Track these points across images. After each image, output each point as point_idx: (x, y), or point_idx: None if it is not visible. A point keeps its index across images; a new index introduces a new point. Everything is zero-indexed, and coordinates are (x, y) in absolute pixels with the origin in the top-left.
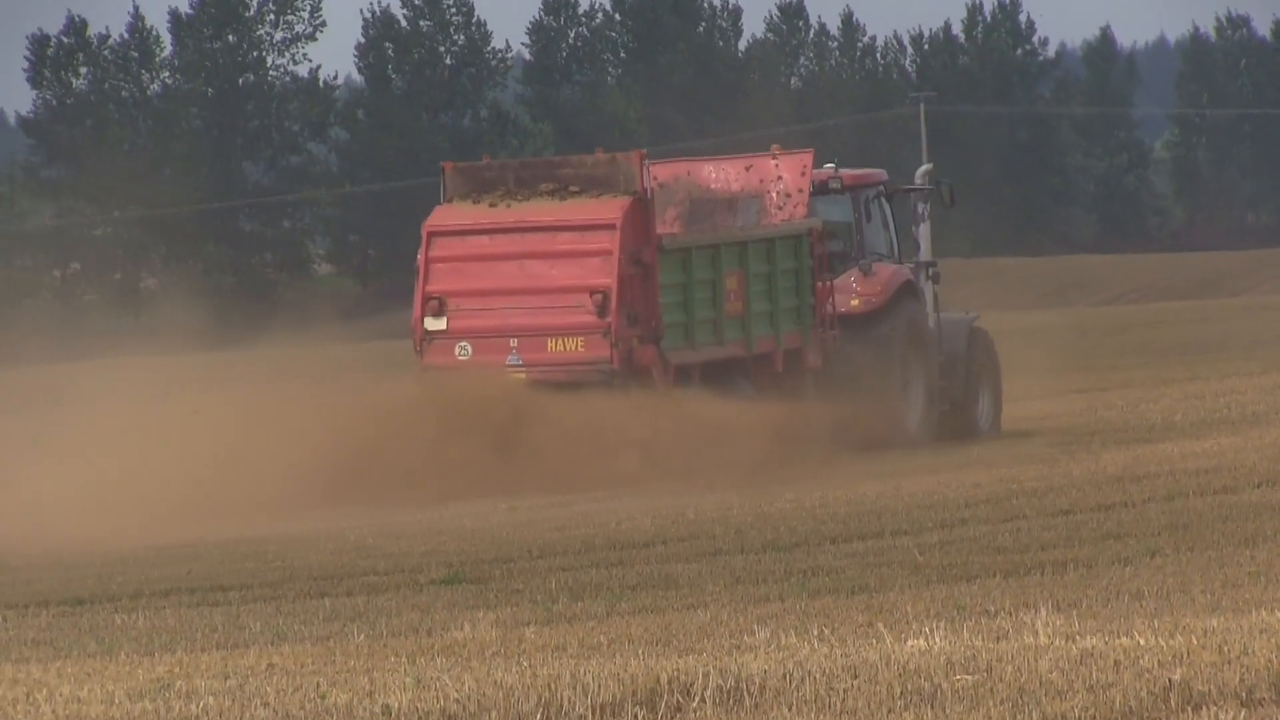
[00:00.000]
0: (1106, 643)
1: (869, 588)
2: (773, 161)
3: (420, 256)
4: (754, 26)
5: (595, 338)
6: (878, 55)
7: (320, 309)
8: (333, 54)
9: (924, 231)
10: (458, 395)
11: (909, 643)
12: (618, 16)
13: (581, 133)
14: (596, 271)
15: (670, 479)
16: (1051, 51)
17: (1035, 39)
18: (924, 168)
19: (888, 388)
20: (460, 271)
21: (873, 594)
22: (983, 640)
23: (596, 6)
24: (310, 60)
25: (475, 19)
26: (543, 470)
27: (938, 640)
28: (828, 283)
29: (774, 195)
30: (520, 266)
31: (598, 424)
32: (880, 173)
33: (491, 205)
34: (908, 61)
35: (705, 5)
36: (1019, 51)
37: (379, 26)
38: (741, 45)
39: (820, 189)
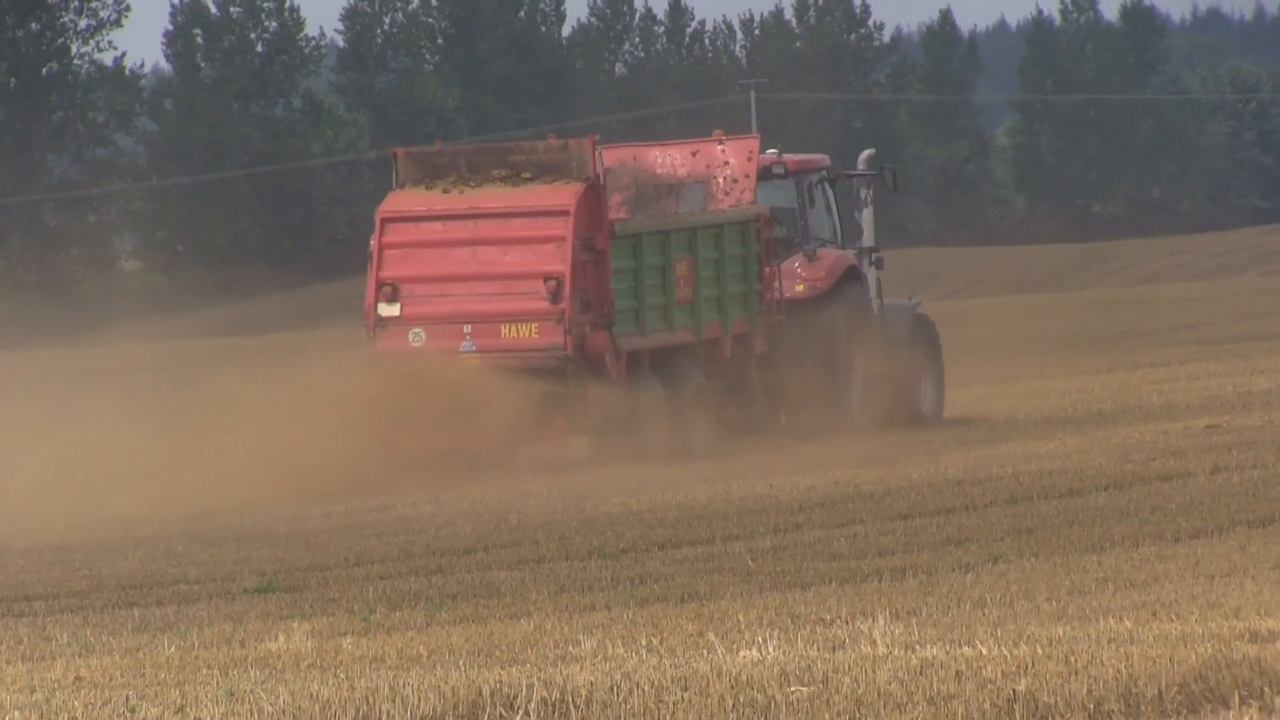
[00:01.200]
0: (948, 652)
1: (699, 595)
2: (719, 147)
3: (373, 242)
4: (577, 11)
5: (549, 324)
6: (706, 41)
7: (126, 306)
8: (139, 42)
9: (866, 217)
10: (410, 381)
11: (741, 653)
12: (434, 2)
13: (398, 122)
14: (550, 258)
15: (619, 463)
16: (888, 36)
17: (871, 23)
18: (866, 153)
19: (832, 374)
20: (413, 257)
21: (703, 602)
22: (818, 650)
23: None
24: (116, 48)
25: (287, 5)
26: (492, 455)
27: (771, 650)
28: (774, 268)
29: (720, 181)
30: (473, 252)
31: (549, 409)
32: (823, 158)
33: (444, 191)
34: (738, 47)
35: None
36: (853, 36)
37: (188, 13)
38: (565, 31)
39: (764, 174)
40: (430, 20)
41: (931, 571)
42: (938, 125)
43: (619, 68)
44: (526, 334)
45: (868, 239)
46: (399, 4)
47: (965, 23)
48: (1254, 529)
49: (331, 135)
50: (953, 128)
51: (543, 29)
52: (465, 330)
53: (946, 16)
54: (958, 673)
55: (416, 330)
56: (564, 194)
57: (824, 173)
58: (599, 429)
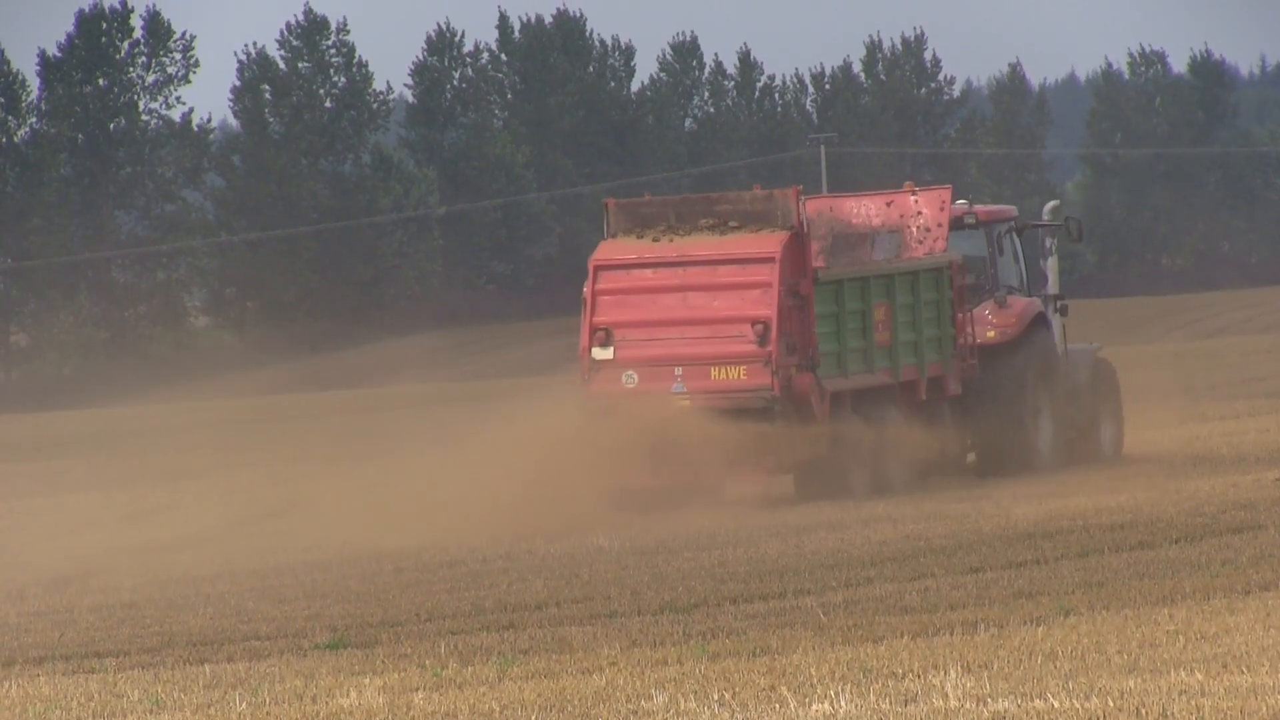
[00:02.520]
0: (1019, 705)
1: (771, 649)
2: (912, 198)
3: (587, 289)
4: (647, 66)
5: (757, 366)
6: (776, 95)
7: (195, 363)
8: (207, 97)
9: (1051, 265)
10: (624, 421)
11: (813, 707)
12: (504, 56)
13: (467, 177)
14: (757, 303)
15: (823, 500)
16: (957, 90)
17: (941, 77)
18: (1051, 204)
19: (1021, 415)
20: (625, 303)
21: (775, 656)
22: (890, 704)
23: (482, 46)
24: (184, 103)
25: (356, 59)
26: (703, 491)
27: (843, 704)
28: (967, 314)
29: (914, 230)
30: (683, 298)
31: (757, 448)
32: (1011, 209)
33: (654, 240)
34: (808, 101)
35: (596, 44)
36: (923, 90)
37: (255, 68)
38: (634, 86)
39: (955, 224)
40: (500, 75)
41: (1003, 625)
42: (1007, 179)
43: (689, 122)
44: (735, 376)
45: (1052, 286)
46: (468, 59)
47: (1034, 76)
48: None
49: (400, 191)
50: (1022, 182)
51: (612, 84)
52: (676, 372)
53: (1015, 70)
54: None
55: (629, 373)
56: (770, 242)
57: (1012, 223)
58: (804, 467)
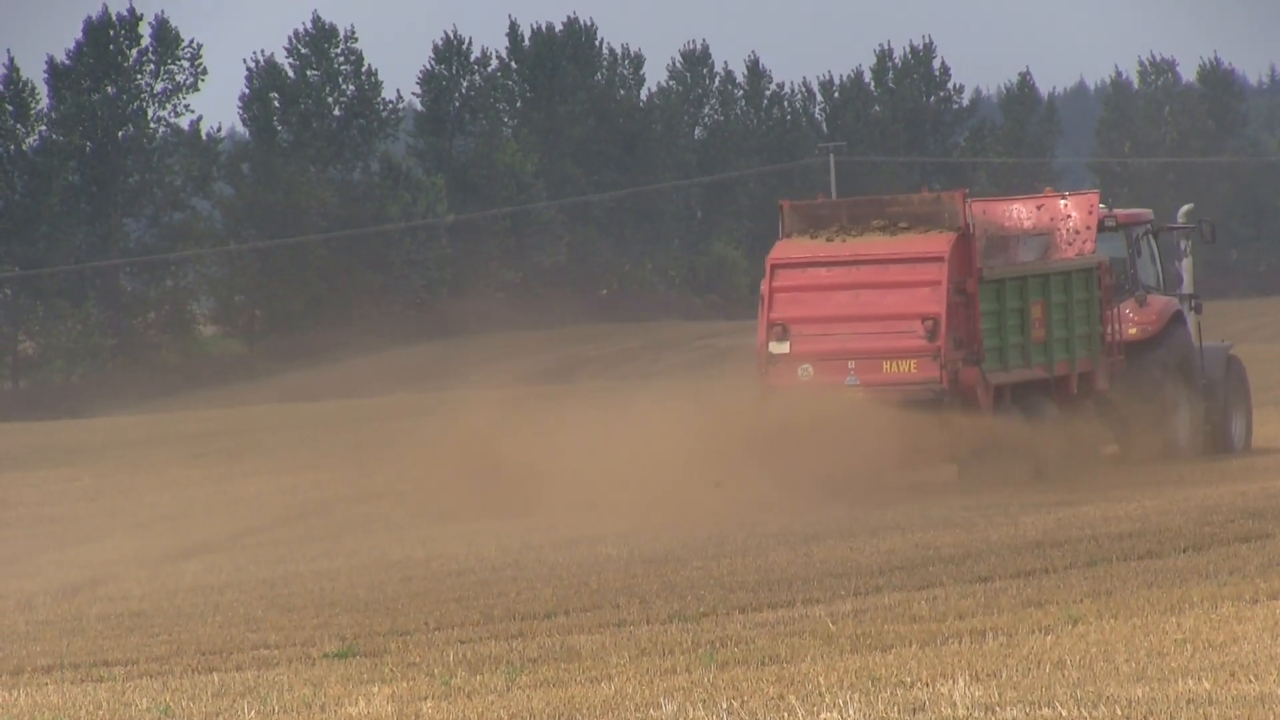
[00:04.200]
0: (1027, 714)
1: (780, 658)
2: (1061, 202)
3: (764, 286)
4: (656, 74)
5: (926, 360)
6: (785, 103)
7: (203, 372)
8: (216, 105)
9: (1186, 266)
10: (800, 411)
11: (822, 715)
12: (513, 64)
13: (476, 185)
14: (927, 300)
15: (985, 489)
16: (967, 99)
17: (950, 86)
18: (1185, 207)
19: (1162, 409)
20: (801, 300)
21: (784, 665)
22: (898, 712)
23: (490, 54)
24: (192, 111)
25: (365, 68)
26: (869, 480)
27: (851, 713)
28: (1113, 312)
29: (1063, 232)
30: (855, 295)
31: (926, 438)
32: (1148, 212)
33: (828, 240)
34: (817, 110)
35: (605, 52)
36: (932, 99)
37: (264, 76)
38: (643, 94)
39: (1097, 227)
40: (509, 84)
41: (1011, 633)
42: (1017, 188)
43: (698, 131)
44: (906, 369)
45: (1187, 286)
46: (477, 67)
47: (1044, 85)
48: None
49: (409, 199)
50: (1032, 190)
51: (621, 92)
52: (849, 366)
53: (1025, 79)
54: None
55: (805, 366)
56: (939, 242)
57: (1149, 226)
58: (970, 456)
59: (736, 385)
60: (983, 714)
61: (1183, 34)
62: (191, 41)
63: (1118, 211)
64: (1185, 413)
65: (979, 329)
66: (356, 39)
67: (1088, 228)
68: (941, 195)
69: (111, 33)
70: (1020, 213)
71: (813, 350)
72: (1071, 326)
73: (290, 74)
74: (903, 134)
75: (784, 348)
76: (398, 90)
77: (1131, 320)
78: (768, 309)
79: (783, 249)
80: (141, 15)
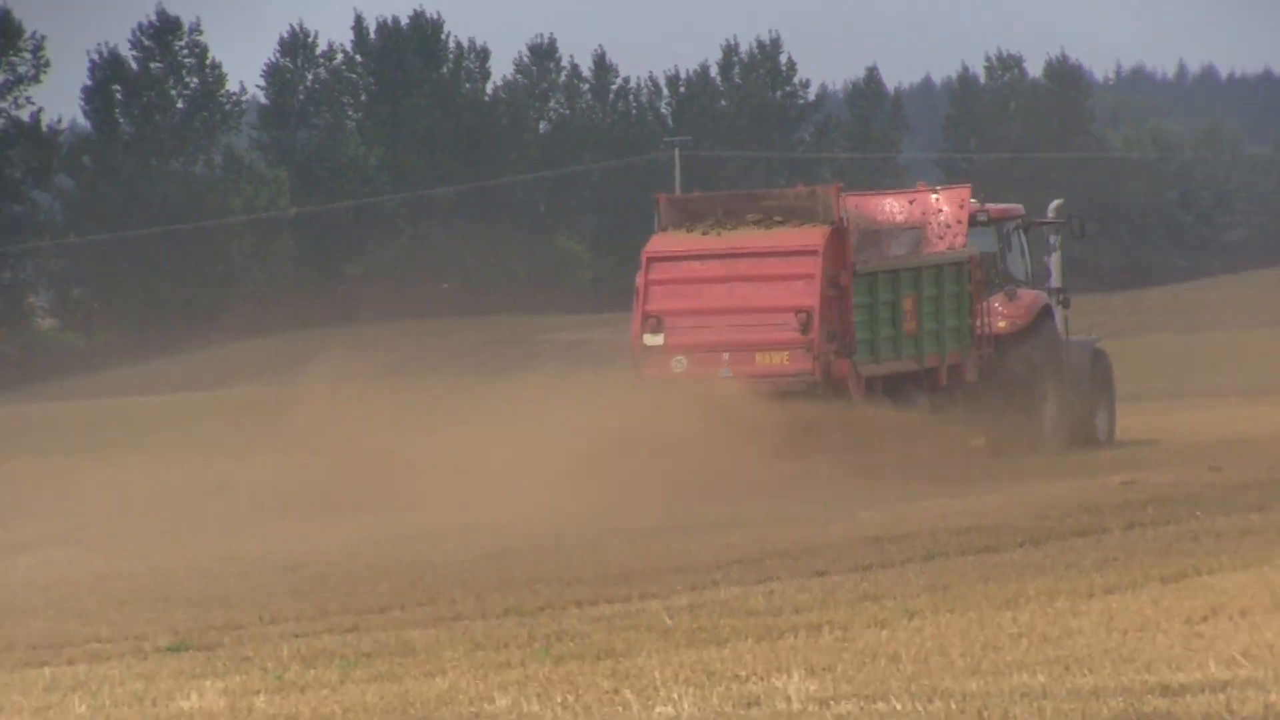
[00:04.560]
0: (862, 709)
1: (615, 653)
2: (933, 196)
3: (640, 279)
4: (503, 68)
5: (799, 352)
6: (631, 98)
7: (41, 365)
8: (58, 97)
9: (1055, 260)
10: (673, 403)
11: (656, 709)
12: (358, 58)
13: (319, 179)
14: (800, 293)
15: (859, 479)
16: (813, 94)
17: (796, 81)
18: (1055, 202)
19: (1030, 401)
20: (676, 293)
21: (619, 659)
22: (733, 706)
23: (336, 47)
24: (33, 104)
25: (209, 61)
26: (745, 472)
27: (686, 706)
28: (983, 305)
29: (935, 226)
30: (730, 288)
31: (799, 430)
32: (1019, 207)
33: (703, 233)
34: (663, 104)
35: (451, 46)
36: (778, 94)
37: (107, 68)
38: (489, 88)
39: (969, 221)
40: (353, 77)
41: (847, 628)
42: (863, 183)
43: (543, 125)
44: (779, 361)
45: (1055, 280)
46: (321, 60)
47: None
48: (1167, 584)
49: (252, 192)
50: (878, 186)
51: (467, 86)
52: (723, 358)
53: (872, 74)
54: None
55: (679, 358)
56: (813, 235)
57: (1019, 220)
58: (842, 447)
59: (613, 378)
60: (817, 708)
61: (1030, 30)
62: (34, 34)
63: (989, 206)
64: (1052, 405)
65: (851, 322)
66: (201, 31)
67: (959, 222)
68: (816, 189)
69: None
70: (892, 207)
71: (687, 342)
72: (942, 319)
73: (134, 66)
74: (749, 129)
75: (658, 340)
76: (241, 83)
77: (1001, 314)
78: (642, 301)
79: (658, 242)
80: None
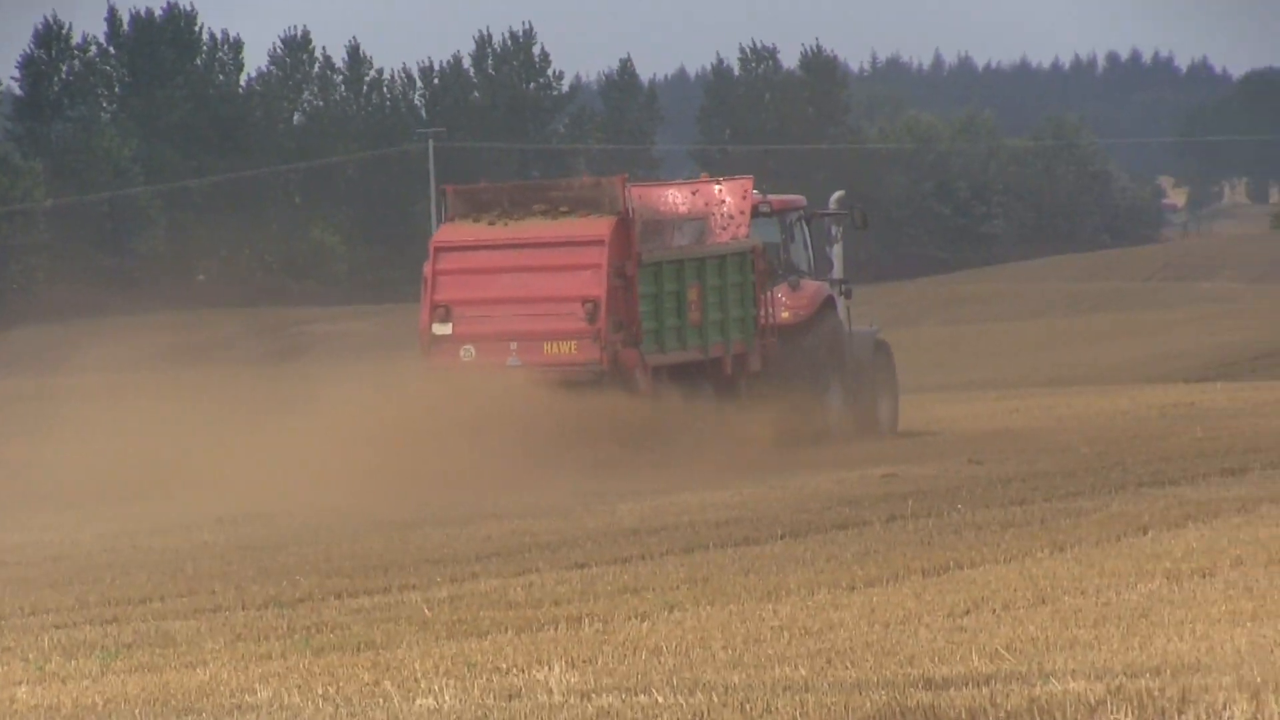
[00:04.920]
0: (623, 700)
1: (375, 645)
2: (716, 187)
3: (428, 269)
4: (257, 60)
5: (586, 341)
6: (385, 89)
7: None
8: None
9: (837, 251)
10: (461, 392)
11: (418, 702)
12: (112, 49)
13: (74, 170)
14: (587, 283)
15: (649, 467)
16: (567, 85)
17: (550, 72)
18: (837, 194)
19: (813, 390)
20: (464, 282)
21: (379, 651)
22: (494, 699)
23: (90, 39)
24: None
25: None
26: (534, 458)
27: (447, 699)
28: (767, 296)
29: (718, 217)
30: (518, 278)
31: (586, 418)
32: (801, 199)
33: (491, 223)
34: (417, 96)
35: (205, 37)
36: (532, 85)
37: None
38: (243, 80)
39: (751, 212)
40: (108, 69)
41: (607, 620)
42: (617, 174)
43: (297, 116)
44: (566, 350)
45: (838, 271)
46: (77, 52)
47: (645, 72)
48: (928, 577)
49: (6, 184)
50: (632, 178)
51: (220, 78)
52: (511, 347)
53: (626, 65)
54: None
55: (467, 347)
56: (600, 226)
57: (802, 212)
58: (630, 435)
59: (402, 367)
60: (578, 700)
61: (785, 21)
62: None
63: (772, 197)
64: (836, 395)
65: (638, 311)
66: None
67: (742, 213)
68: (602, 180)
69: None
70: (676, 198)
71: (475, 332)
72: (726, 310)
73: None
74: (503, 120)
75: (446, 329)
76: None
77: (784, 304)
78: (431, 291)
79: (446, 232)
80: None
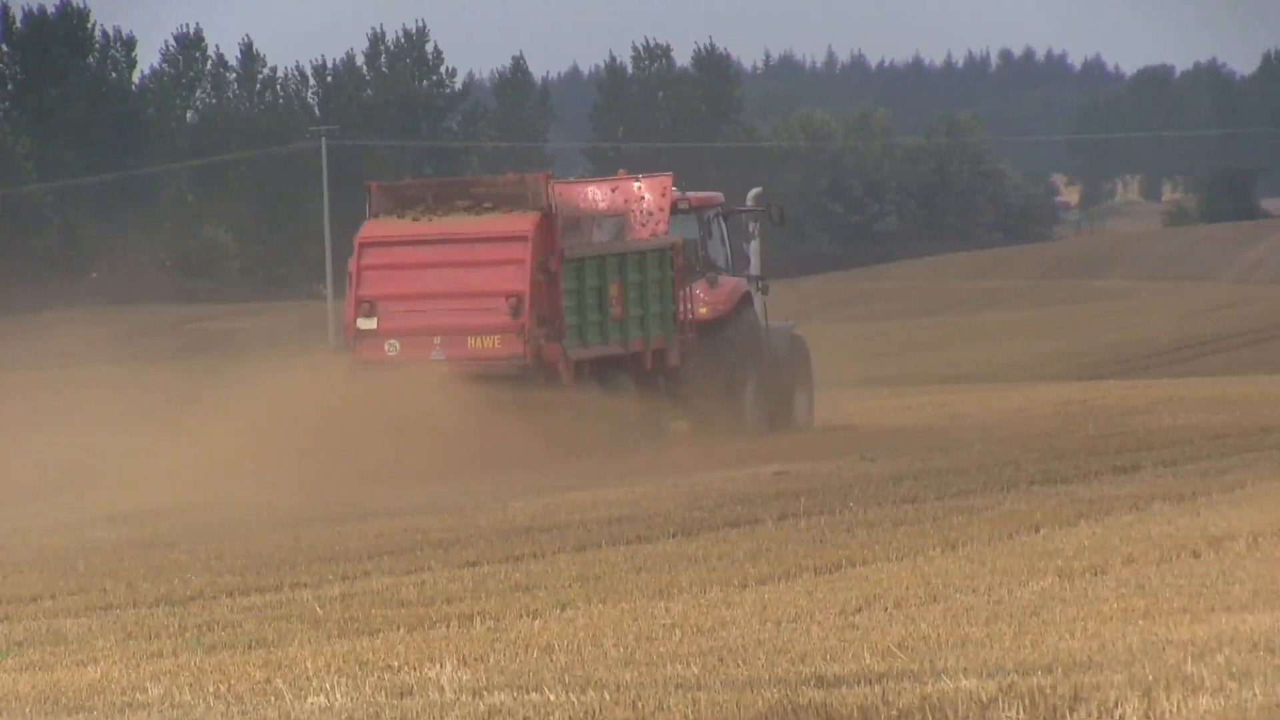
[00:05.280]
0: (515, 699)
1: (267, 642)
2: (636, 184)
3: (353, 264)
4: (151, 58)
5: (510, 336)
6: (278, 87)
7: None
8: None
9: (754, 248)
10: (386, 385)
11: (309, 700)
12: (5, 47)
13: None
14: (511, 278)
15: (569, 462)
16: (460, 83)
17: (443, 70)
18: (754, 191)
19: (731, 386)
20: (389, 278)
21: (271, 649)
22: (386, 696)
23: None
24: None
25: None
26: (461, 452)
27: (339, 696)
28: (686, 291)
29: (638, 214)
30: (442, 273)
31: (510, 411)
32: (719, 195)
33: (415, 219)
34: (310, 94)
35: (99, 35)
36: (425, 83)
37: None
38: (136, 77)
39: (670, 209)
40: (1, 66)
41: (499, 618)
42: (512, 172)
43: (190, 115)
44: (490, 345)
45: (755, 268)
46: None
47: (538, 70)
48: (820, 575)
49: None
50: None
51: (113, 75)
52: (436, 341)
53: (519, 63)
54: (525, 718)
55: (392, 342)
56: (523, 222)
57: (719, 208)
58: (553, 428)
59: (318, 362)
60: (470, 698)
61: (678, 19)
62: None
63: (690, 194)
64: (753, 389)
65: (561, 306)
66: None
67: (661, 210)
68: (525, 177)
69: None
70: (596, 194)
71: (400, 326)
72: (647, 305)
73: None
74: (396, 118)
75: (371, 324)
76: None
77: (703, 300)
78: (356, 286)
79: (371, 228)
80: None
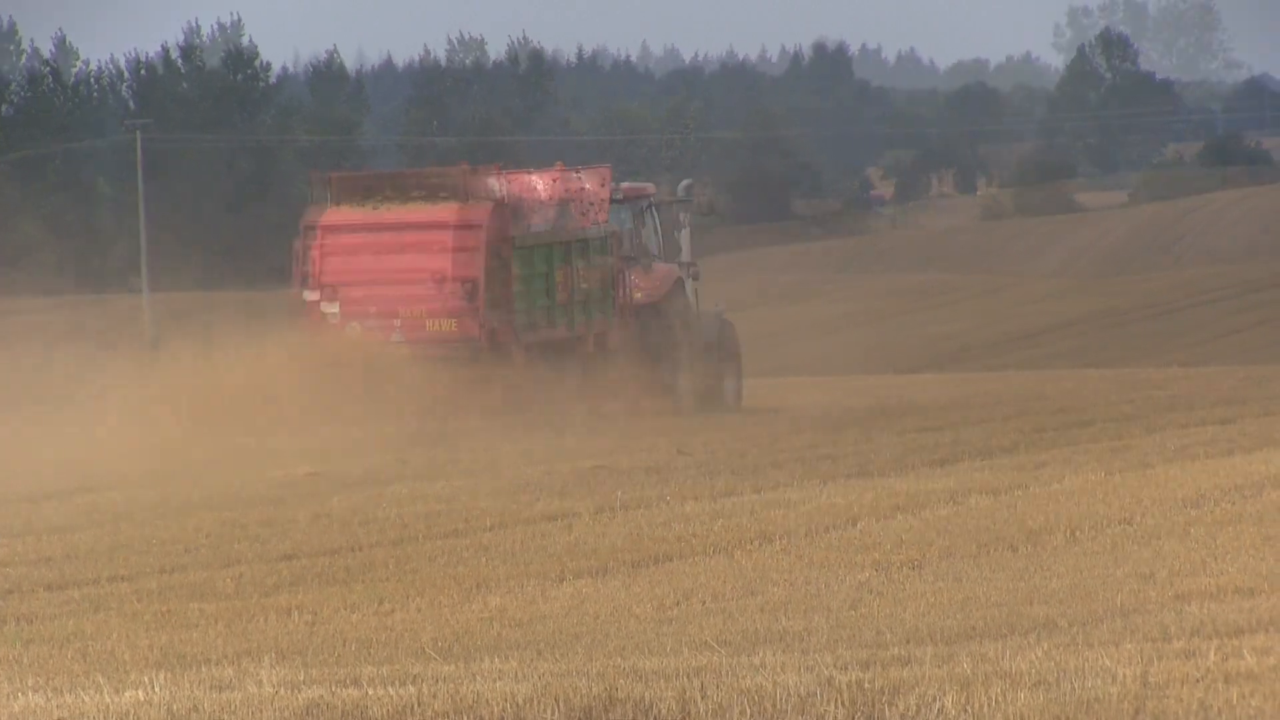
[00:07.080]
0: (333, 693)
1: (85, 635)
2: (576, 174)
3: (314, 250)
4: None
5: (465, 319)
6: (92, 81)
7: None
8: None
9: (685, 236)
10: (347, 366)
11: (127, 694)
12: None
13: None
14: (466, 264)
15: (522, 429)
16: (275, 77)
17: (257, 63)
18: (685, 182)
19: (666, 369)
20: (350, 263)
21: (89, 642)
22: (205, 690)
23: None
24: None
25: None
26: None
27: (158, 690)
28: (624, 278)
29: (579, 203)
30: (401, 259)
31: (464, 390)
32: (651, 186)
33: (374, 207)
34: (125, 87)
35: None
36: (240, 77)
37: None
38: None
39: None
40: None
41: (316, 612)
42: (325, 167)
43: (5, 108)
44: (447, 327)
45: (686, 255)
46: None
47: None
48: (637, 569)
49: None
50: (340, 168)
51: None
52: (395, 323)
53: (333, 56)
54: (344, 713)
55: (353, 324)
56: (478, 211)
57: (650, 198)
58: (504, 407)
59: (286, 340)
60: (289, 692)
61: (492, 12)
62: None
63: (624, 185)
64: (685, 372)
65: (513, 291)
66: None
67: (601, 200)
68: (479, 168)
69: None
70: (539, 184)
71: (360, 310)
72: (590, 290)
73: None
74: (211, 112)
75: (334, 308)
76: None
77: (638, 286)
78: (318, 271)
79: (332, 215)
80: None
